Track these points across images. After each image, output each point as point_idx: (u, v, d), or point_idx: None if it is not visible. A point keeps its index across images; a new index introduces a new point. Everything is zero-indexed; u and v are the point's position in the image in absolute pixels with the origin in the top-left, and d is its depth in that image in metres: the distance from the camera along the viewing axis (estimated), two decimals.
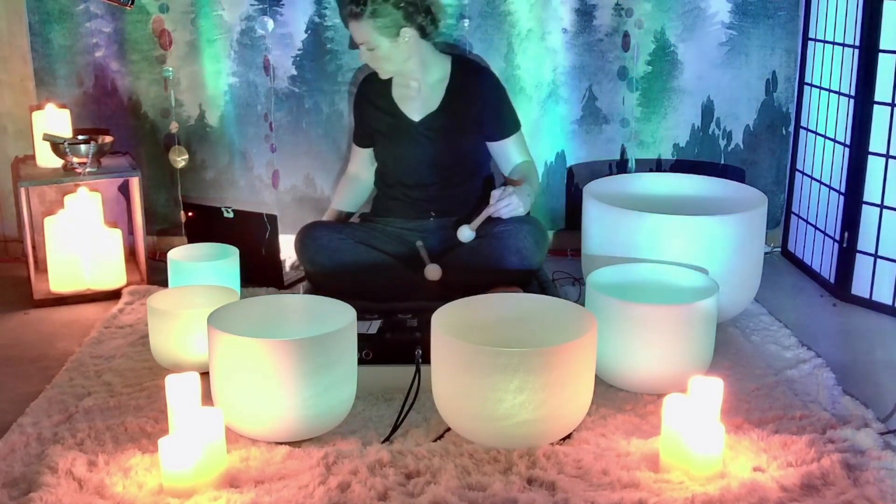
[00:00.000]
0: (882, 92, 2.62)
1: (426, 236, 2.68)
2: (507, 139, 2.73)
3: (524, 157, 2.76)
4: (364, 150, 2.87)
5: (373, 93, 2.78)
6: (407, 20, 2.58)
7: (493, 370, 1.78)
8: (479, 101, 2.68)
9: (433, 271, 2.53)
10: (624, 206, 2.50)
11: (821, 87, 2.95)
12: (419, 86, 2.70)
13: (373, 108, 2.77)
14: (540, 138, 3.10)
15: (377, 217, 2.80)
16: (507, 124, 2.74)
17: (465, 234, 2.54)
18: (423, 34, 2.64)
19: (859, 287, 2.75)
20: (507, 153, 2.74)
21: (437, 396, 1.94)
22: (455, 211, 2.71)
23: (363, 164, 2.89)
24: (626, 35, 3.04)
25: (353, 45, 2.85)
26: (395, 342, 2.13)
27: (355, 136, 2.90)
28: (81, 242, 2.79)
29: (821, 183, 2.96)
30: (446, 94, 2.69)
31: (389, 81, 2.74)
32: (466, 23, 2.96)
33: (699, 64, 3.07)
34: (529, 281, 2.56)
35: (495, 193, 2.56)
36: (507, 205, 2.54)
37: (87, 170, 2.82)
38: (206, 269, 2.51)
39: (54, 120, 2.91)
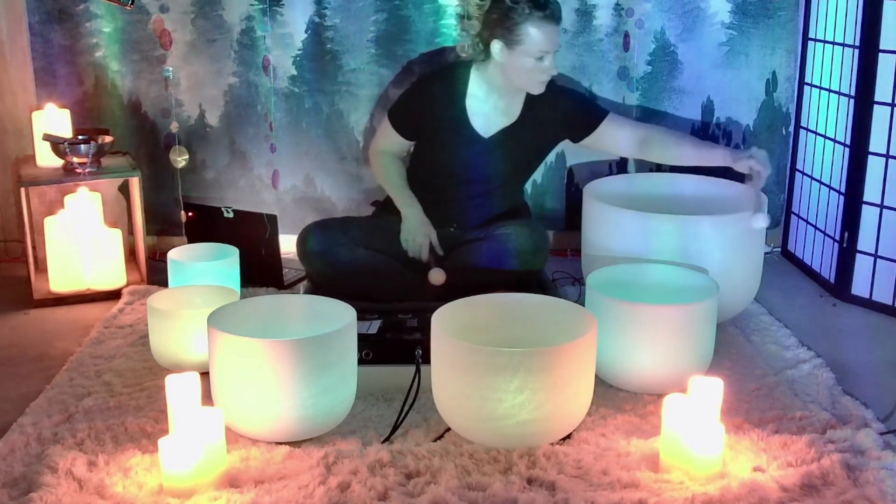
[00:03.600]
0: (882, 92, 2.61)
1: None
2: (603, 122, 2.64)
3: (633, 124, 2.69)
4: (400, 139, 2.70)
5: (445, 93, 2.64)
6: None
7: (493, 370, 1.78)
8: (559, 104, 2.63)
9: (437, 275, 2.49)
10: (624, 206, 2.50)
11: (821, 87, 2.95)
12: (498, 101, 2.61)
13: (437, 108, 2.63)
14: None
15: (391, 215, 2.68)
16: (594, 111, 2.68)
17: (761, 221, 2.39)
18: None
19: (859, 287, 2.75)
20: (610, 133, 2.64)
21: (437, 396, 1.94)
22: (476, 225, 2.65)
23: (398, 146, 2.73)
24: (626, 35, 3.04)
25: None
26: (395, 342, 2.13)
27: (398, 119, 2.68)
28: (81, 242, 2.79)
29: (821, 183, 2.95)
30: (525, 106, 2.63)
31: (464, 88, 2.61)
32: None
33: (699, 64, 3.06)
34: (530, 281, 2.56)
35: (742, 169, 2.42)
36: (759, 166, 2.39)
37: (87, 170, 2.82)
38: (206, 269, 2.50)
39: (54, 120, 2.91)
